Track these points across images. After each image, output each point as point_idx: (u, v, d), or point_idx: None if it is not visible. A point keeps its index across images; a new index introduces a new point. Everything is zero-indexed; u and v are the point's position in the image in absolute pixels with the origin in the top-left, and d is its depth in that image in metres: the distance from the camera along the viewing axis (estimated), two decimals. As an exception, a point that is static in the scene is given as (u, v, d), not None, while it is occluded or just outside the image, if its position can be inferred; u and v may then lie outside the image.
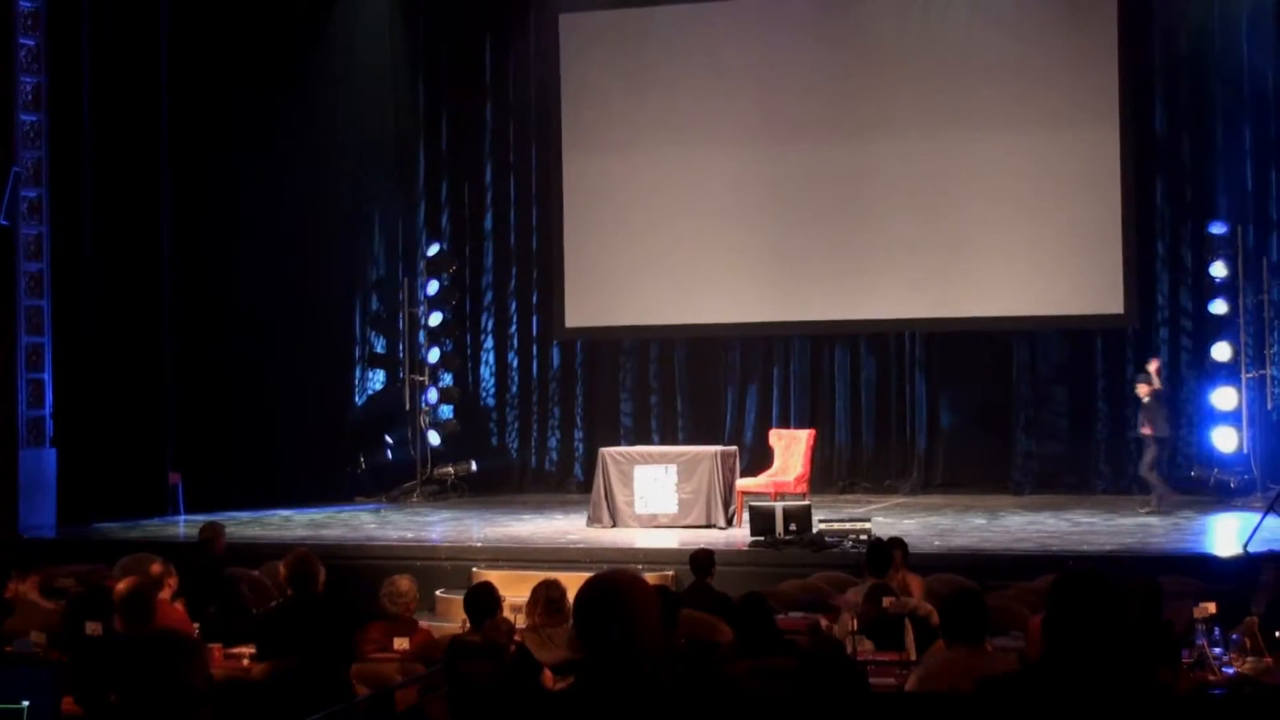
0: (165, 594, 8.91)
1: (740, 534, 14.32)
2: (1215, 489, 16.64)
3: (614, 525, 15.14)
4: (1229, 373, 16.69)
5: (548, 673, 7.31)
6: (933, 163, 18.03)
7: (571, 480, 19.57)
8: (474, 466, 19.27)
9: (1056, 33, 17.81)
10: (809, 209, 18.48)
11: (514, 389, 20.17)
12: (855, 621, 8.48)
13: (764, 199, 18.66)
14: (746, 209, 18.71)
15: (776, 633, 8.02)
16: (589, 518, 15.40)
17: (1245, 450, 16.59)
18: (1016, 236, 17.88)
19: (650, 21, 19.13)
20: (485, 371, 20.33)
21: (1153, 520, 15.10)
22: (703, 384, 19.44)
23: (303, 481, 18.34)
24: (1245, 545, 12.31)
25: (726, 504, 15.01)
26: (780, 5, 18.78)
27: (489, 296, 20.29)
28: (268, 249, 18.37)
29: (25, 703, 5.50)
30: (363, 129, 19.45)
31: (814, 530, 13.47)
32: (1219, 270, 16.71)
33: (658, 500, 15.18)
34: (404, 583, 9.04)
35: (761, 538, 13.50)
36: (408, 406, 19.48)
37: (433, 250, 19.65)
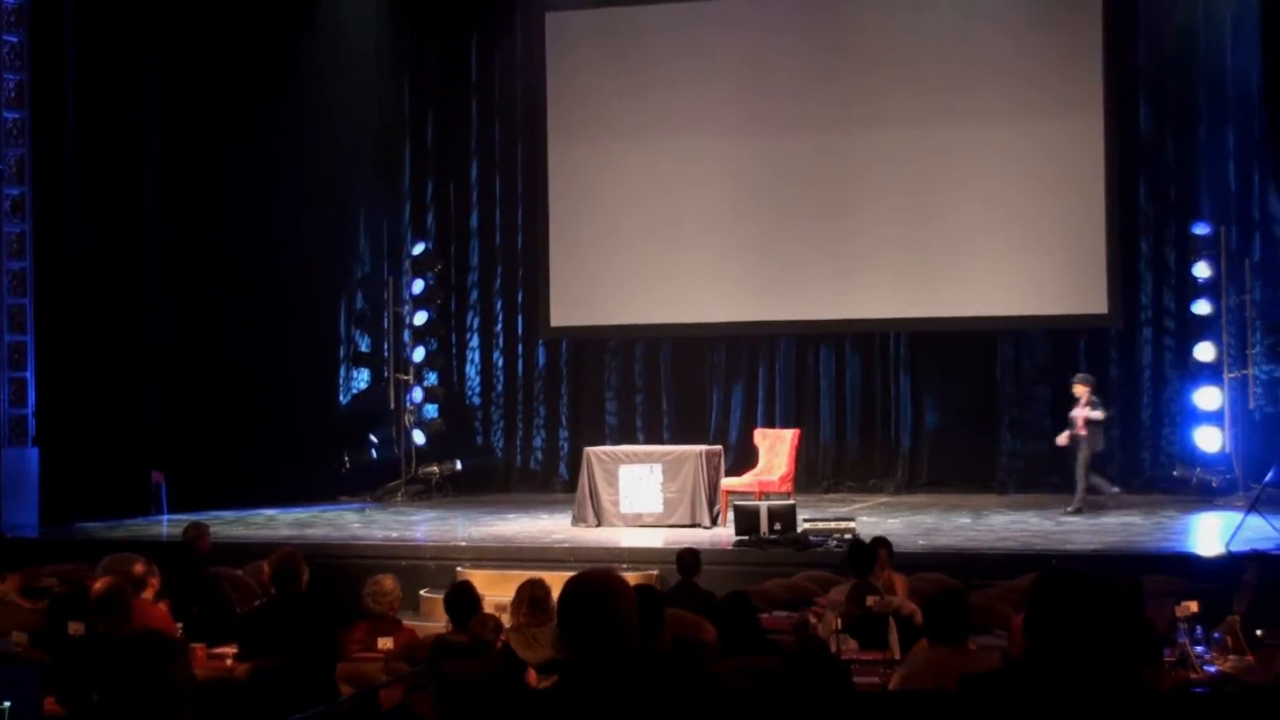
0: (148, 594, 8.87)
1: (725, 533, 14.30)
2: (1198, 488, 16.67)
3: (599, 524, 15.13)
4: (1212, 373, 16.71)
5: (532, 671, 7.30)
6: (918, 163, 18.05)
7: (556, 479, 19.55)
8: (459, 465, 19.24)
9: (1041, 32, 17.83)
10: (795, 209, 18.49)
11: (499, 388, 20.15)
12: (839, 620, 8.48)
13: (750, 198, 18.67)
14: (732, 209, 18.72)
15: (760, 632, 8.02)
16: (574, 517, 15.38)
17: (1228, 450, 16.62)
18: (1001, 237, 17.91)
19: (637, 21, 19.11)
20: (470, 370, 20.30)
21: (1136, 519, 15.11)
22: (688, 383, 19.43)
23: (287, 481, 18.28)
24: (1227, 544, 12.37)
25: (711, 503, 15.00)
26: (766, 5, 18.78)
27: (474, 295, 20.26)
28: (253, 247, 18.33)
29: (7, 703, 5.49)
30: (348, 127, 19.38)
31: (798, 529, 13.48)
32: (1202, 271, 16.73)
33: (643, 499, 15.17)
34: (388, 582, 9.03)
35: (746, 537, 13.50)
36: (393, 405, 19.44)
37: (418, 249, 19.63)
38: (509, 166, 20.00)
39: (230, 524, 15.91)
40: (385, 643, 8.49)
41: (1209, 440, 16.70)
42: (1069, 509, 15.56)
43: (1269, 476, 13.25)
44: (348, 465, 19.28)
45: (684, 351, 19.42)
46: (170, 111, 17.82)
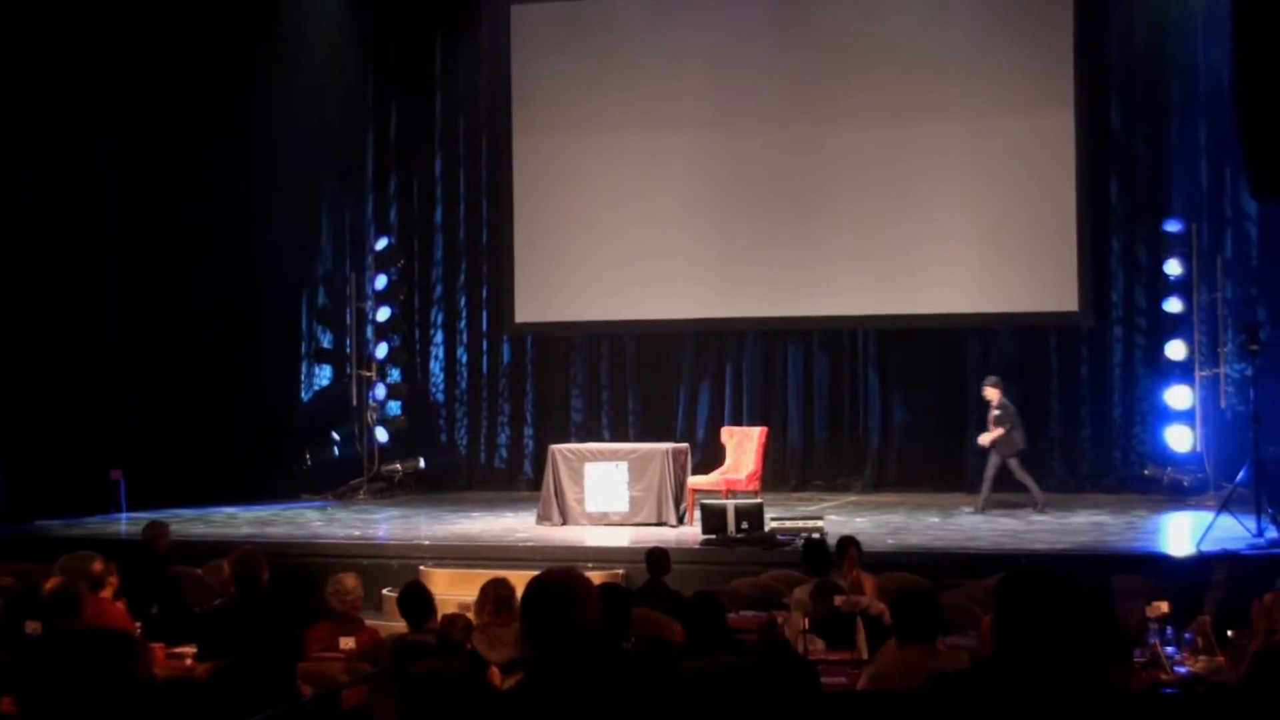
0: (106, 593, 8.75)
1: (691, 532, 14.22)
2: (1169, 488, 16.67)
3: (564, 523, 15.02)
4: (1183, 371, 16.71)
5: (495, 671, 7.20)
6: (887, 159, 18.01)
7: (521, 477, 19.46)
8: (422, 463, 19.13)
9: (1012, 29, 17.81)
10: (763, 205, 18.42)
11: (463, 385, 20.03)
12: (806, 620, 8.39)
13: (716, 195, 18.59)
14: (699, 205, 18.64)
15: (727, 631, 7.92)
16: (538, 515, 15.26)
17: (1199, 449, 16.62)
18: (971, 233, 17.86)
19: (603, 14, 19.04)
20: (434, 367, 20.19)
21: (1106, 518, 15.09)
22: (654, 380, 19.34)
23: (248, 478, 18.13)
24: (1198, 544, 12.33)
25: (678, 502, 14.92)
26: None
27: (438, 291, 20.16)
28: (213, 243, 18.12)
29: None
30: (311, 119, 19.19)
31: (766, 528, 13.43)
32: (1173, 268, 16.73)
33: (608, 498, 15.07)
34: (350, 581, 8.97)
35: (713, 536, 13.42)
36: (355, 402, 19.33)
37: (381, 244, 19.48)
38: (474, 160, 19.89)
39: (190, 522, 15.73)
40: (347, 642, 8.43)
41: (1180, 439, 16.69)
42: (1036, 508, 15.63)
43: (1240, 476, 13.21)
44: (309, 463, 19.16)
45: (650, 348, 19.32)
46: (128, 106, 17.59)
